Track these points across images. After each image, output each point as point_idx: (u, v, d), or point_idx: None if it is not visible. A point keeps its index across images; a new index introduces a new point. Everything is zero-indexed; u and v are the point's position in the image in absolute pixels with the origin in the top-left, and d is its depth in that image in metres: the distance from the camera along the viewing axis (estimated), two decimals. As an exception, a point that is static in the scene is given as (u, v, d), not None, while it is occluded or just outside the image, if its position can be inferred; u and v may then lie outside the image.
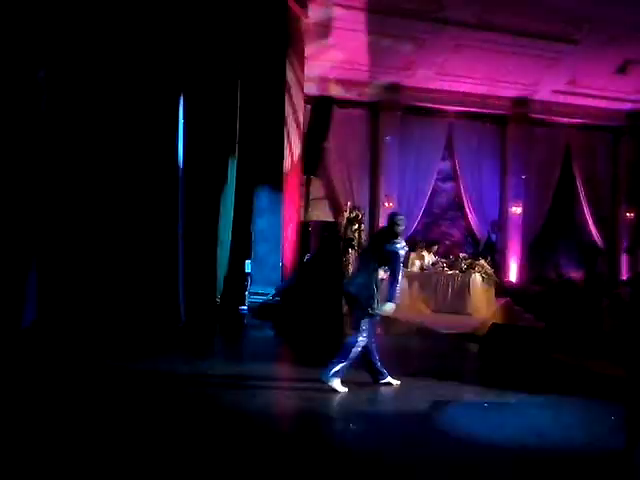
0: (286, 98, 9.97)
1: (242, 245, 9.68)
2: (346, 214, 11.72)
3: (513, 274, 15.23)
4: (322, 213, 13.36)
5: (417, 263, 11.94)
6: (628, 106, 15.61)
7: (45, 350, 6.95)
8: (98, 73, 8.22)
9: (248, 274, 9.81)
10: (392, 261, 5.43)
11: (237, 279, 9.57)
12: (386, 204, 14.05)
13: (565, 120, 15.65)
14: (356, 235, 11.43)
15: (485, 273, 11.48)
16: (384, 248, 5.45)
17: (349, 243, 11.15)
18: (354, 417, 4.75)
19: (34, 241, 7.93)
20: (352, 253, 10.97)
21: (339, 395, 5.26)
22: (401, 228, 5.52)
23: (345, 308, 9.72)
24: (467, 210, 15.18)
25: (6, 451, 3.81)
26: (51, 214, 8.08)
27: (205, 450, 3.94)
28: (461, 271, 11.55)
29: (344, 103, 13.62)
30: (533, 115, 15.31)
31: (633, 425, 3.88)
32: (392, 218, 5.59)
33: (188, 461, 3.75)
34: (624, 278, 15.51)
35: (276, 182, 9.91)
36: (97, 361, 6.25)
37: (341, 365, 5.35)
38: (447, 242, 15.17)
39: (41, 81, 7.83)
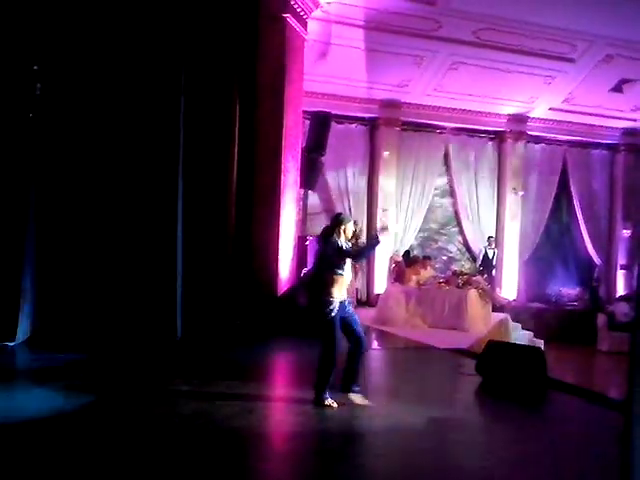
0: (285, 113, 10.03)
1: (241, 259, 9.68)
2: (343, 229, 11.73)
3: (510, 290, 15.24)
4: (320, 228, 13.36)
5: (413, 278, 11.95)
6: (624, 124, 15.74)
7: (38, 364, 6.94)
8: (98, 72, 8.24)
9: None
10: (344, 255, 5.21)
11: (236, 293, 9.56)
12: (383, 219, 14.09)
13: (562, 137, 15.78)
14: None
15: (482, 289, 11.48)
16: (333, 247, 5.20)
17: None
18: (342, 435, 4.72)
19: (29, 253, 7.94)
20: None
21: (329, 411, 5.10)
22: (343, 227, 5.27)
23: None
24: (464, 225, 15.23)
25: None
26: (47, 225, 8.07)
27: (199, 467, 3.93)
28: (457, 287, 11.53)
29: (342, 118, 13.71)
30: (530, 132, 15.42)
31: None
32: (336, 218, 5.43)
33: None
34: (620, 295, 15.56)
35: (273, 197, 9.94)
36: (91, 375, 6.24)
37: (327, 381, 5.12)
38: (444, 257, 15.22)
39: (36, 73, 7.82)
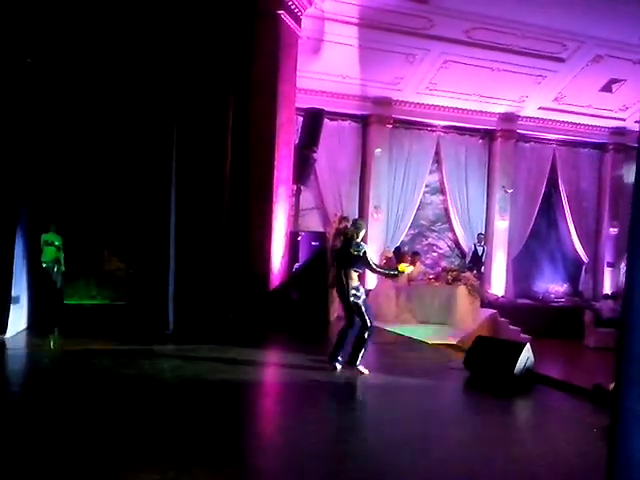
0: (278, 110, 10.10)
1: (233, 253, 9.76)
2: (335, 225, 11.83)
3: (498, 287, 15.41)
4: (312, 223, 13.48)
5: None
6: (613, 123, 15.93)
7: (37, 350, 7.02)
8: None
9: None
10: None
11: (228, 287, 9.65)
12: (374, 215, 14.21)
13: (551, 136, 15.95)
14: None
15: (471, 285, 11.63)
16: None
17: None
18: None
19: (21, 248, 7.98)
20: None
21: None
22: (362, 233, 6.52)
23: (334, 315, 9.88)
24: (454, 222, 15.38)
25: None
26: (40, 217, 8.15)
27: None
28: (447, 283, 11.69)
29: (335, 115, 13.79)
30: (520, 131, 15.57)
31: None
32: (356, 223, 6.74)
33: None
34: (606, 292, 15.77)
35: (266, 193, 10.02)
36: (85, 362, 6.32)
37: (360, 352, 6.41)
38: (434, 254, 15.36)
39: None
